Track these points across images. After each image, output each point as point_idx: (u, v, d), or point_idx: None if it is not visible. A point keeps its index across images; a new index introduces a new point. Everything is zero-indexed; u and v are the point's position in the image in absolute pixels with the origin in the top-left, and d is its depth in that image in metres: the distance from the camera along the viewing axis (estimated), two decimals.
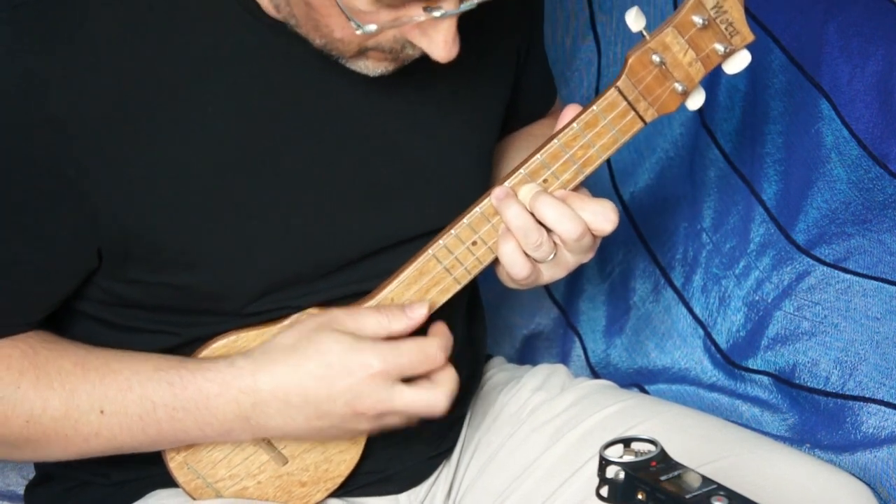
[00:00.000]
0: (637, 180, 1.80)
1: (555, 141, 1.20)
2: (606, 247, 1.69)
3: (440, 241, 1.21)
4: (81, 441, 1.19)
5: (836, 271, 1.64)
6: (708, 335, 1.72)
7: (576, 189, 1.22)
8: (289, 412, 1.17)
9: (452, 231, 1.21)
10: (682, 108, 1.21)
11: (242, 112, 1.17)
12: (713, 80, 1.71)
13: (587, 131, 1.20)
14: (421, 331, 1.20)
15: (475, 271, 1.23)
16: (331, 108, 1.20)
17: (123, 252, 1.17)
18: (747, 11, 1.17)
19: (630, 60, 1.18)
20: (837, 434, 1.55)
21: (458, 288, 1.23)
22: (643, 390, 1.70)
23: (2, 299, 1.19)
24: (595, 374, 1.76)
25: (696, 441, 1.35)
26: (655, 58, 1.17)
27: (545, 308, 1.82)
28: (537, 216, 1.19)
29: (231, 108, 1.16)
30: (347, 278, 1.24)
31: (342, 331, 1.17)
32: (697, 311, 1.74)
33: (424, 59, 1.12)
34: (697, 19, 1.16)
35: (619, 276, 1.80)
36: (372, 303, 1.22)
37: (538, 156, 1.20)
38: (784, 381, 1.64)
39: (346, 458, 1.27)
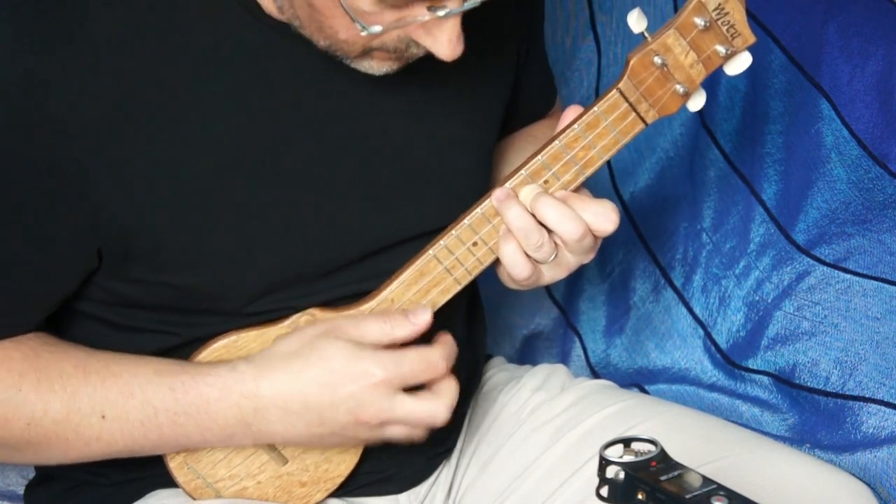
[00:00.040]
0: (637, 180, 1.79)
1: (556, 142, 1.20)
2: (606, 247, 1.68)
3: (441, 242, 1.21)
4: (82, 445, 1.19)
5: (836, 271, 1.64)
6: (708, 335, 1.72)
7: (576, 190, 1.22)
8: (290, 418, 1.17)
9: (453, 232, 1.21)
10: (683, 108, 1.21)
11: (242, 112, 1.17)
12: (713, 80, 1.71)
13: (588, 132, 1.20)
14: (424, 334, 1.20)
15: (476, 272, 1.23)
16: (331, 108, 1.20)
17: (123, 252, 1.17)
18: (747, 11, 1.17)
19: (632, 62, 1.18)
20: (837, 434, 1.55)
21: (458, 288, 1.23)
22: (643, 390, 1.70)
23: (2, 299, 1.19)
24: (595, 374, 1.75)
25: (696, 441, 1.34)
26: (657, 59, 1.17)
27: (545, 308, 1.82)
28: (538, 217, 1.19)
29: (231, 108, 1.16)
30: (347, 278, 1.23)
31: (345, 338, 1.17)
32: (697, 311, 1.74)
33: (427, 58, 1.12)
34: (699, 21, 1.16)
35: (619, 276, 1.79)
36: (372, 303, 1.22)
37: (539, 157, 1.20)
38: (784, 381, 1.64)
39: (345, 459, 1.27)
